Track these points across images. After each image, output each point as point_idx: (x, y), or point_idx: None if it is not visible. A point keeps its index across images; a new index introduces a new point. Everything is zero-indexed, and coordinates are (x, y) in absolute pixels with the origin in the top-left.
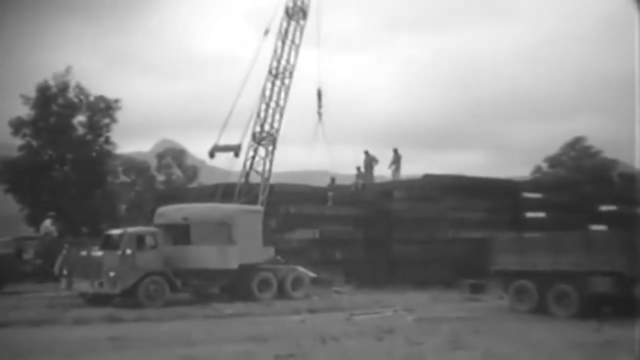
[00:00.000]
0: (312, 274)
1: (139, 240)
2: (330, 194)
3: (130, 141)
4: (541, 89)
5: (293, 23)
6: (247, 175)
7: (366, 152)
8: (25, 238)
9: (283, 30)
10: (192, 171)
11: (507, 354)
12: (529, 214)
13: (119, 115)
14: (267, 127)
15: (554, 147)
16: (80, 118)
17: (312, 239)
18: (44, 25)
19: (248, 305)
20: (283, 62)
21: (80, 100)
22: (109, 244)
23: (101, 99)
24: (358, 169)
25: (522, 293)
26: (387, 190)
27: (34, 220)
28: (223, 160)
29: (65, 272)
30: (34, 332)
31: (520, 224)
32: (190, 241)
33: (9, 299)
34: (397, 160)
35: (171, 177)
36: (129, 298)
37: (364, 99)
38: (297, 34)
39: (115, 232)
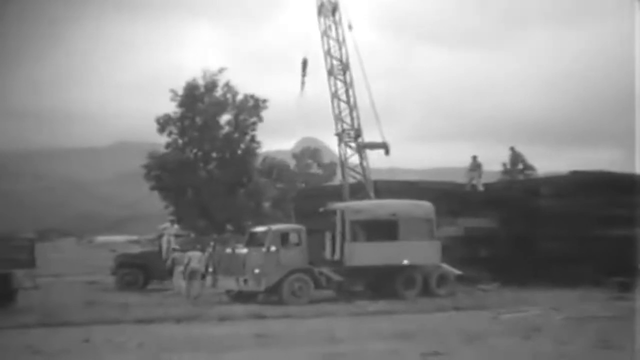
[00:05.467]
0: (456, 272)
1: (283, 237)
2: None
3: (272, 140)
4: None
5: (326, 20)
6: (343, 174)
7: (512, 149)
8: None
9: (322, 28)
10: (331, 168)
11: None
12: None
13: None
14: (345, 126)
15: None
16: (226, 117)
17: (456, 236)
18: (176, 27)
19: (392, 302)
20: (334, 60)
21: (228, 99)
22: (254, 241)
23: (249, 97)
24: (504, 165)
25: None
26: (534, 186)
27: (179, 218)
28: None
29: (210, 269)
30: (179, 328)
31: None
32: (398, 237)
33: (155, 296)
34: (516, 158)
35: (311, 175)
36: (273, 295)
37: (498, 96)
38: (337, 29)
39: (260, 229)
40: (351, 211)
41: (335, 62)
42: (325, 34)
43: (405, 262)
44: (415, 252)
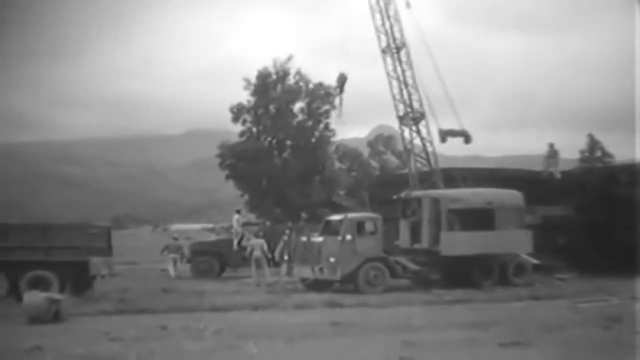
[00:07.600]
0: (534, 261)
1: (359, 226)
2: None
3: (348, 128)
4: None
5: None
6: (408, 160)
7: (590, 136)
8: (244, 224)
9: (372, 1)
10: (406, 156)
11: None
12: None
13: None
14: (406, 109)
15: None
16: (299, 104)
17: (533, 224)
18: (243, 16)
19: (468, 291)
20: (388, 38)
21: (300, 87)
22: (329, 229)
23: (321, 85)
24: (582, 152)
25: None
26: (612, 174)
27: (254, 206)
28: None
29: (285, 257)
30: (256, 316)
31: None
32: (495, 226)
33: (231, 284)
34: (594, 145)
35: (385, 162)
36: (349, 284)
37: (575, 83)
38: (388, 5)
39: (335, 218)
40: (447, 199)
41: (390, 41)
42: (375, 9)
43: (503, 251)
44: (511, 241)
